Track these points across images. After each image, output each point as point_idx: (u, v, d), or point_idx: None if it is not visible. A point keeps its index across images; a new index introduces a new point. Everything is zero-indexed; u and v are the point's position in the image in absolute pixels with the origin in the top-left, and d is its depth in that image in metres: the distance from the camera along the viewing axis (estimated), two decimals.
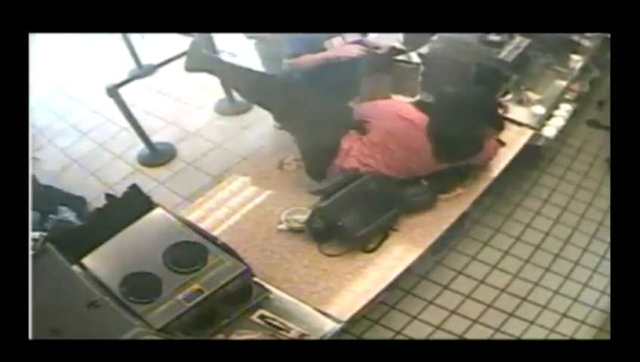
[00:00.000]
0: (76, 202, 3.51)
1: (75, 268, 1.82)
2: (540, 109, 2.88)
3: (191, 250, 1.87)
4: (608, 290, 2.64)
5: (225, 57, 3.15)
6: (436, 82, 2.66)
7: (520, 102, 2.90)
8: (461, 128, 2.24)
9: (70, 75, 5.09)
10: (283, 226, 2.27)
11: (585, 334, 2.50)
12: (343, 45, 2.65)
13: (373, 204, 2.21)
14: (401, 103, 2.45)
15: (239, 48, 4.30)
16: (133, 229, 1.98)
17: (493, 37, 2.89)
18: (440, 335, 2.48)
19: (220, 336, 1.75)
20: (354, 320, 2.01)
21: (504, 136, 2.71)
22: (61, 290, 1.65)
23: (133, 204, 2.05)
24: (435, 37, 3.08)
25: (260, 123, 4.05)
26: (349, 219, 2.14)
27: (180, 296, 1.73)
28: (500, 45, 2.88)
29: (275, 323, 1.82)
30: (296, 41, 2.56)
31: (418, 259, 2.18)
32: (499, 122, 2.55)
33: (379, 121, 2.35)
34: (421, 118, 2.28)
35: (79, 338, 1.39)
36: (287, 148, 2.71)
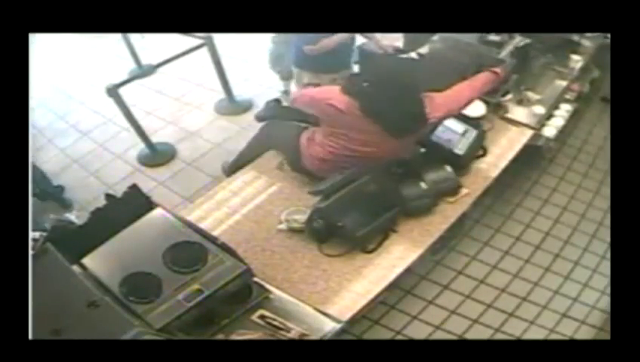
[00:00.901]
0: (55, 190, 3.57)
1: (75, 268, 1.82)
2: (540, 109, 2.88)
3: (191, 250, 1.87)
4: (608, 290, 2.64)
5: None
6: (436, 82, 2.66)
7: (520, 102, 2.91)
8: (393, 95, 2.19)
9: (70, 75, 5.10)
10: (283, 226, 2.27)
11: (585, 334, 2.50)
12: None
13: (373, 205, 2.21)
14: (329, 91, 2.39)
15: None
16: (133, 229, 1.97)
17: (493, 37, 2.89)
18: (440, 335, 2.48)
19: (220, 336, 1.75)
20: (354, 320, 2.01)
21: (504, 136, 2.72)
22: (61, 290, 1.65)
23: (133, 204, 2.04)
24: (435, 37, 3.08)
25: (260, 123, 4.06)
26: (348, 219, 2.14)
27: (180, 296, 1.73)
28: (500, 45, 2.88)
29: (275, 323, 1.82)
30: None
31: (418, 259, 2.18)
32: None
33: (317, 113, 2.38)
34: (347, 102, 2.24)
35: (79, 338, 1.39)
36: None
